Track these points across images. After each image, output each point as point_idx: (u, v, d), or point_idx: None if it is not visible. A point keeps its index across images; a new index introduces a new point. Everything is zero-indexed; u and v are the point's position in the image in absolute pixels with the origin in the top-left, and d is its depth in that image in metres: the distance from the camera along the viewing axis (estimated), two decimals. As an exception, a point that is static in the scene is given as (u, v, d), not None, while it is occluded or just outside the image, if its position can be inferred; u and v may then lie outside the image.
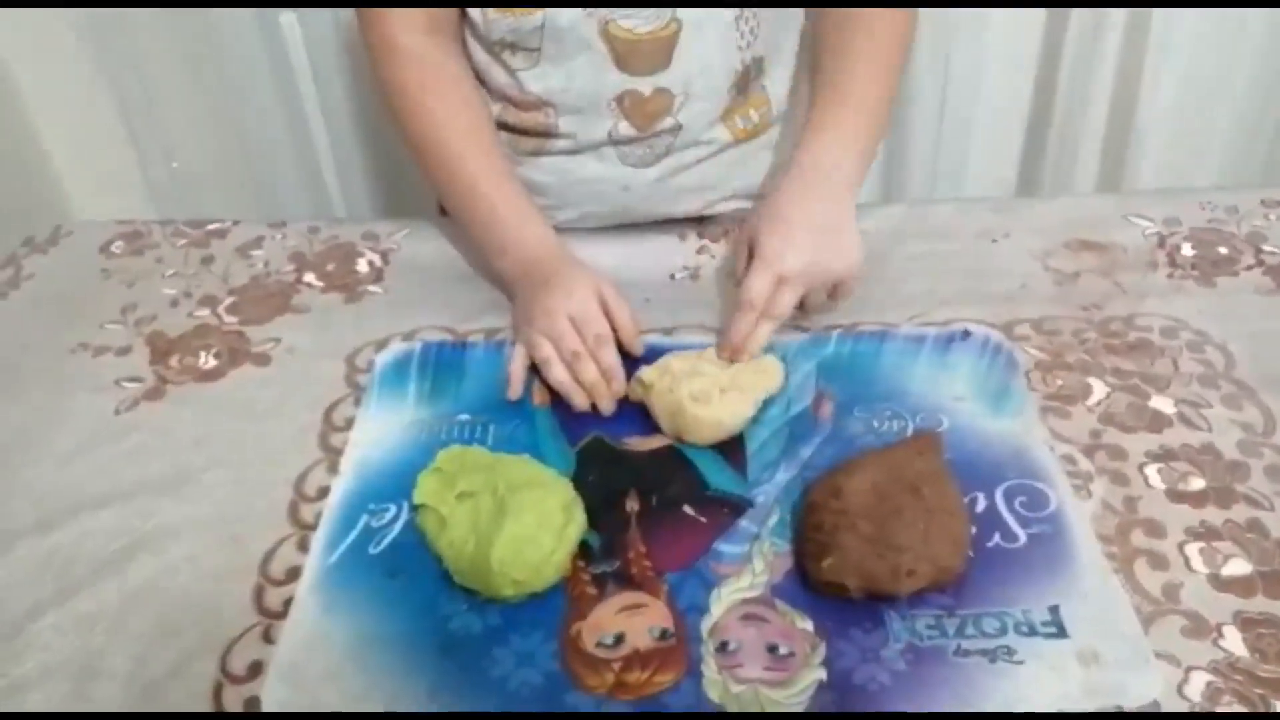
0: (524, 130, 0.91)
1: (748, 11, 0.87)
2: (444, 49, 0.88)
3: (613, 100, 0.87)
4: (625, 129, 0.89)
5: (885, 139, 1.43)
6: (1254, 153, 1.48)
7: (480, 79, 0.91)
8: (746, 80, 0.91)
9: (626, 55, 0.85)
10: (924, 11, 1.30)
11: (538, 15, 0.83)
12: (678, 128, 0.89)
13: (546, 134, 0.90)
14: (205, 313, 0.89)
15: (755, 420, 0.73)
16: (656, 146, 0.91)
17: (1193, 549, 0.62)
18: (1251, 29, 1.37)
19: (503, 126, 0.92)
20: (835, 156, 0.81)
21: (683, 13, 0.84)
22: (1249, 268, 0.87)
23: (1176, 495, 0.66)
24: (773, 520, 0.66)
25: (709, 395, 0.70)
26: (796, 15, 0.92)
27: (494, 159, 0.87)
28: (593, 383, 0.75)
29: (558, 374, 0.76)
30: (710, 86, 0.89)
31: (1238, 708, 0.54)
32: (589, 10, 0.82)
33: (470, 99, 0.88)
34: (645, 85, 0.86)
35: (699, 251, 0.93)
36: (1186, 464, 0.68)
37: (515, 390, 0.77)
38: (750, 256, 0.77)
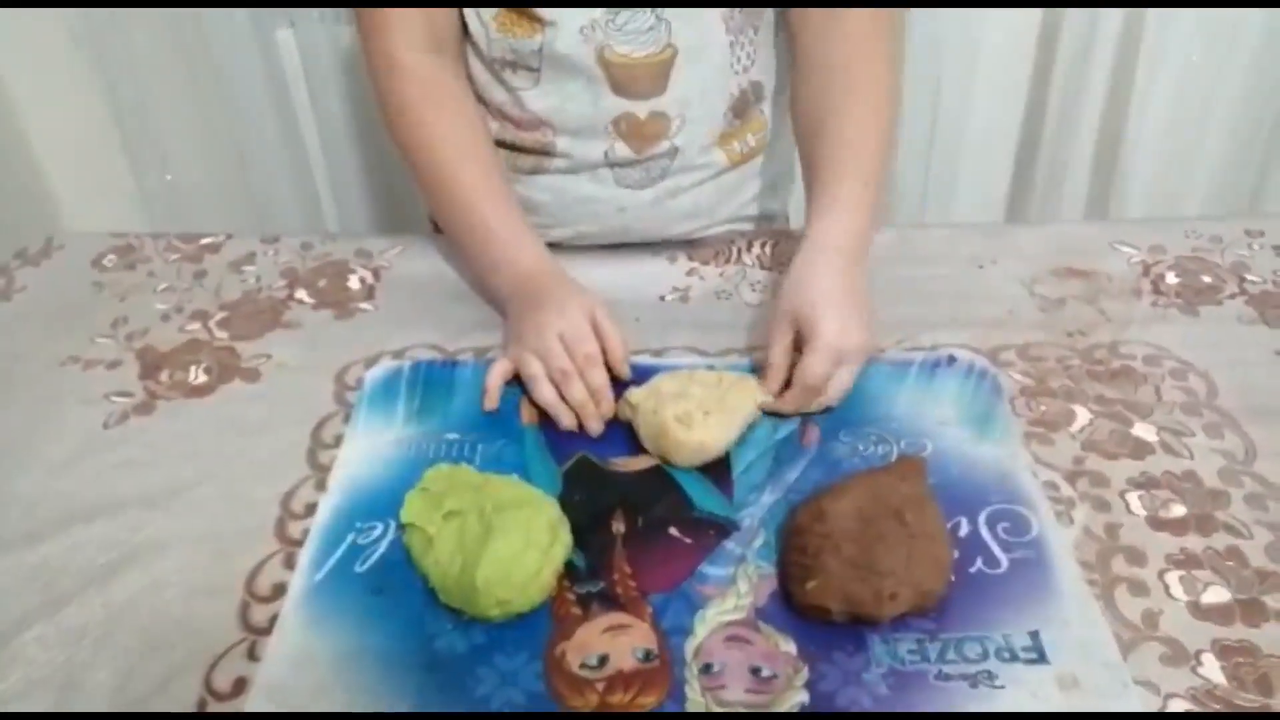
0: (522, 148, 0.92)
1: (744, 37, 0.88)
2: (445, 67, 0.88)
3: (609, 123, 0.88)
4: (622, 151, 0.89)
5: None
6: (1240, 182, 1.50)
7: (480, 97, 0.91)
8: (745, 105, 0.92)
9: (623, 80, 0.85)
10: (915, 38, 1.33)
11: (537, 38, 0.84)
12: (674, 151, 0.90)
13: (544, 153, 0.91)
14: (196, 327, 0.89)
15: (741, 442, 0.73)
16: (653, 169, 0.91)
17: (1173, 576, 0.63)
18: (1239, 59, 1.39)
19: (501, 144, 0.92)
20: (861, 241, 0.80)
21: (679, 38, 0.85)
22: (1232, 296, 0.88)
23: (1157, 522, 0.67)
24: (757, 543, 0.66)
25: (692, 418, 0.71)
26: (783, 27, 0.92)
27: (491, 177, 0.88)
28: (580, 402, 0.75)
29: (545, 392, 0.76)
30: (707, 111, 0.89)
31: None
32: (585, 36, 0.83)
33: (470, 117, 0.89)
34: (642, 109, 0.87)
35: (688, 274, 0.94)
36: (1168, 491, 0.69)
37: (491, 402, 0.77)
38: (790, 335, 0.75)
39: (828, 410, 0.75)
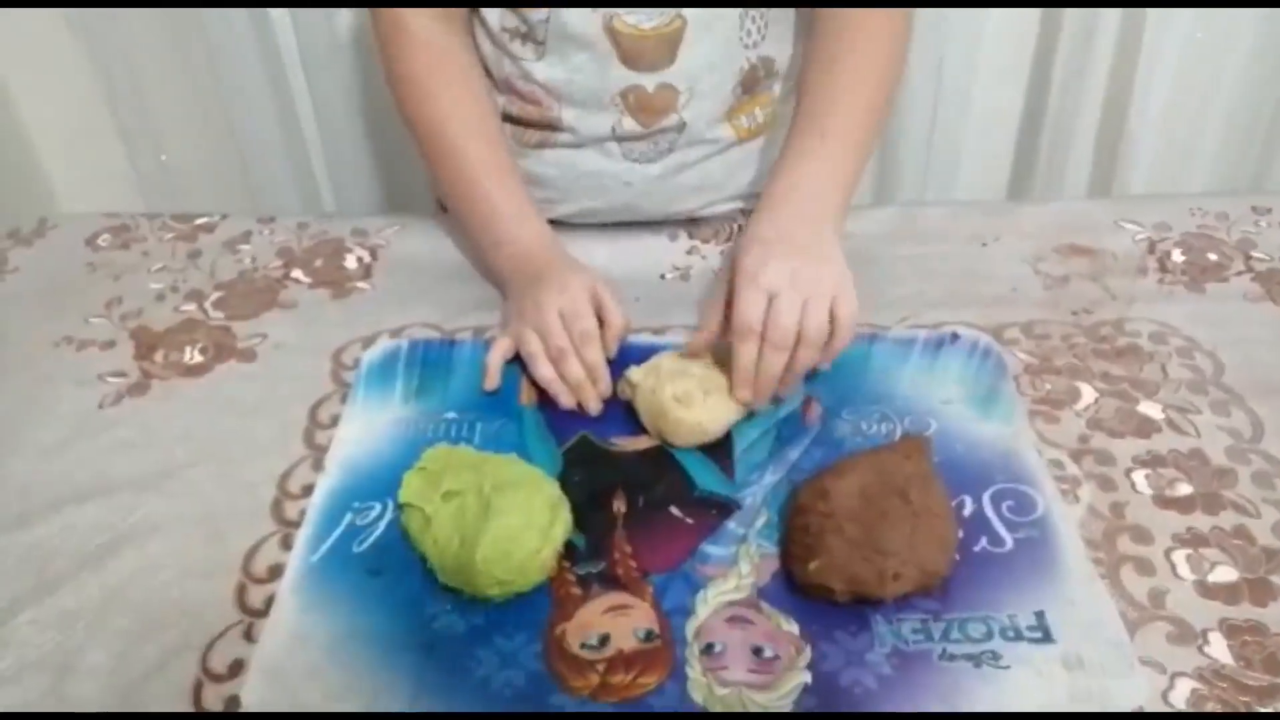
0: (528, 122, 0.91)
1: (755, 10, 0.86)
2: (454, 37, 0.87)
3: (617, 95, 0.87)
4: (629, 125, 0.88)
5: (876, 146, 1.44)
6: (1245, 159, 1.49)
7: (487, 70, 0.90)
8: (754, 79, 0.90)
9: (631, 51, 0.84)
10: (918, 15, 1.31)
11: (544, 9, 0.83)
12: (682, 125, 0.89)
13: (551, 127, 0.90)
14: (191, 307, 0.88)
15: (743, 421, 0.72)
16: (660, 143, 0.90)
17: (1179, 555, 0.62)
18: (1242, 36, 1.37)
19: (507, 119, 0.91)
20: (813, 187, 0.78)
21: (688, 10, 0.83)
22: (1238, 274, 0.87)
23: (1164, 501, 0.66)
24: (759, 522, 0.65)
25: (692, 397, 0.70)
26: (806, 16, 0.91)
27: (497, 153, 0.87)
28: (578, 381, 0.74)
29: (543, 371, 0.75)
30: (715, 84, 0.88)
31: (1222, 715, 0.54)
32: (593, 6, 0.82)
33: (477, 91, 0.88)
34: (649, 81, 0.86)
35: (689, 252, 0.93)
36: (1174, 470, 0.68)
37: (492, 381, 0.76)
38: (726, 289, 0.73)
39: (830, 387, 0.75)
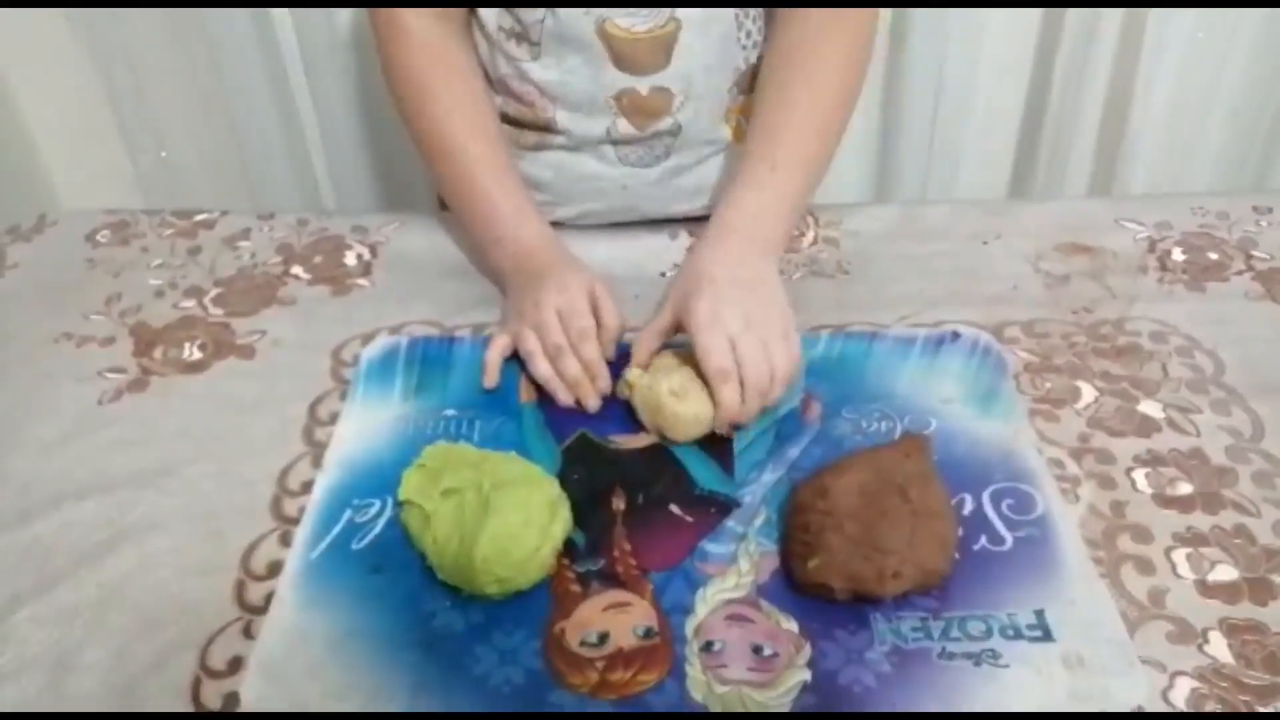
0: (525, 124, 0.91)
1: (752, 11, 0.86)
2: (452, 36, 0.87)
3: (611, 99, 0.86)
4: (624, 127, 0.88)
5: (875, 140, 1.44)
6: (1246, 159, 1.48)
7: (483, 71, 0.90)
8: (751, 80, 0.90)
9: (624, 54, 0.84)
10: (918, 14, 1.31)
11: (539, 9, 0.83)
12: (677, 128, 0.89)
13: (547, 129, 0.90)
14: (190, 304, 0.88)
15: (743, 419, 0.72)
16: (656, 147, 0.90)
17: (1179, 554, 0.62)
18: (1244, 35, 1.37)
19: (504, 120, 0.91)
20: (762, 221, 0.79)
21: (682, 12, 0.83)
22: (1239, 273, 0.87)
23: (1164, 500, 0.66)
24: (759, 520, 0.65)
25: (688, 391, 0.70)
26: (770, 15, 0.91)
27: (496, 151, 0.87)
28: (575, 379, 0.74)
29: (541, 368, 0.75)
30: (711, 86, 0.88)
31: (1222, 714, 0.54)
32: (585, 9, 0.82)
33: (477, 90, 0.88)
34: (643, 85, 0.86)
35: (689, 250, 0.93)
36: (1174, 469, 0.68)
37: (491, 378, 0.76)
38: (669, 315, 0.75)
39: (830, 386, 0.74)
